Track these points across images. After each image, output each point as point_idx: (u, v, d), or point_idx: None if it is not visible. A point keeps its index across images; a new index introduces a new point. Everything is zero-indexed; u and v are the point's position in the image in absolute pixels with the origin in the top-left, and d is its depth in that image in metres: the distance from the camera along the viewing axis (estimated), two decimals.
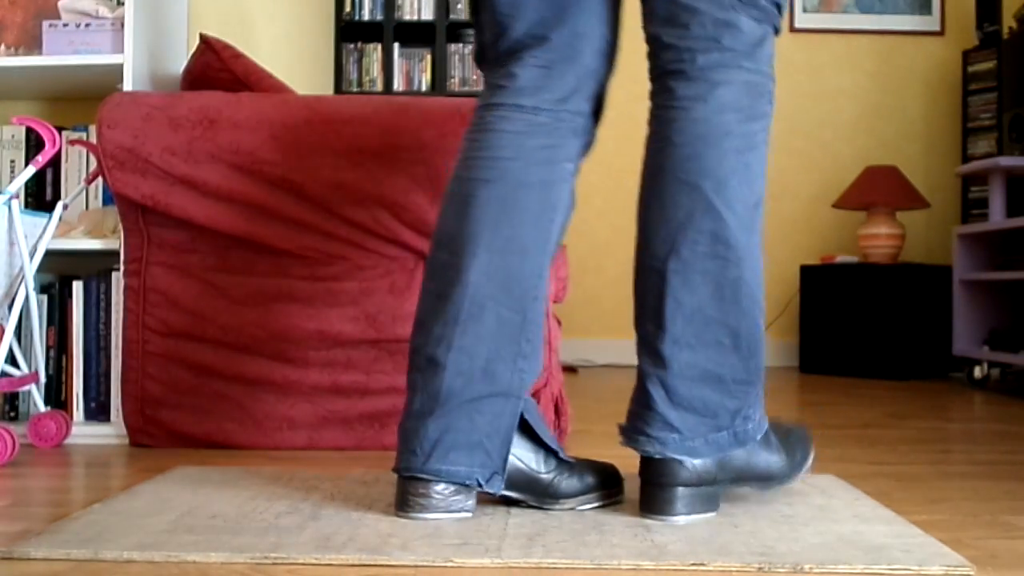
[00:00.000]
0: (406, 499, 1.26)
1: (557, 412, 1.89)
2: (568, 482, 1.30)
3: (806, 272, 3.99)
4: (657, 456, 1.24)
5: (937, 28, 4.30)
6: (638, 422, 1.26)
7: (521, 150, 1.27)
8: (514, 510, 1.32)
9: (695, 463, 1.25)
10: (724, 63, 1.24)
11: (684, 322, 1.24)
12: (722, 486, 1.29)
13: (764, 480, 1.33)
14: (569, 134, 1.31)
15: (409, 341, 1.30)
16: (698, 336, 1.24)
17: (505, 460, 1.27)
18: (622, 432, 1.29)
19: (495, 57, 1.33)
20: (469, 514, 1.26)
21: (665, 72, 1.28)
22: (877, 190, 3.86)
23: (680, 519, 1.24)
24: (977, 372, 3.41)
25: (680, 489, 1.24)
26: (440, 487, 1.24)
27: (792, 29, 4.33)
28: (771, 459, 1.33)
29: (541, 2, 1.28)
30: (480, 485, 1.25)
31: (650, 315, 1.26)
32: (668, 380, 1.25)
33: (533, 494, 1.30)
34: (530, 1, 1.28)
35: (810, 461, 1.41)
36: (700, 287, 1.23)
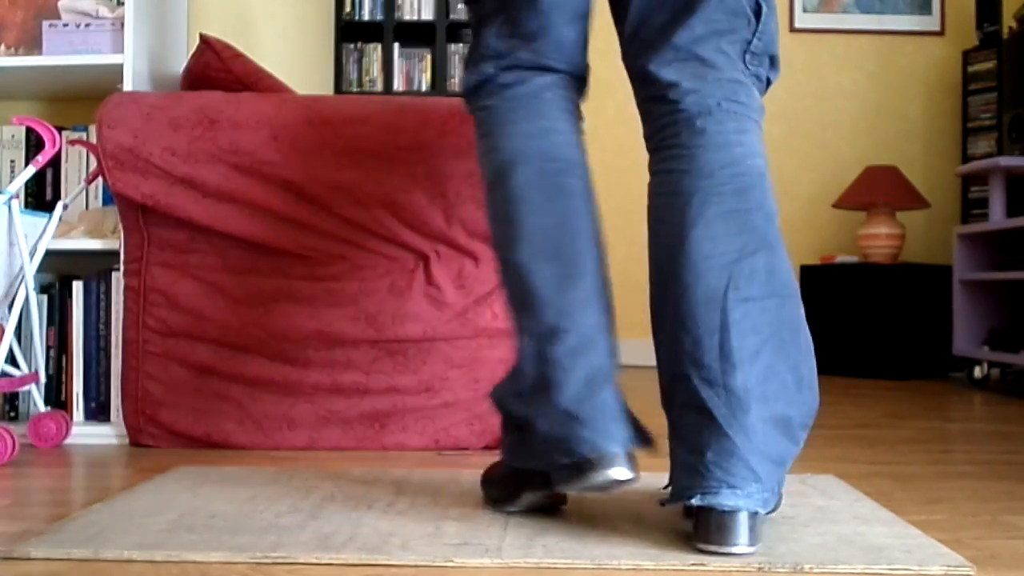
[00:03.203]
0: (581, 473, 1.15)
1: None
2: None
3: (806, 272, 3.99)
4: (740, 511, 1.10)
5: (937, 28, 4.30)
6: (716, 471, 1.10)
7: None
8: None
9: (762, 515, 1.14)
10: (743, 113, 1.22)
11: (751, 358, 1.13)
12: None
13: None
14: None
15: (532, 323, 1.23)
16: (766, 374, 1.14)
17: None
18: (681, 491, 1.14)
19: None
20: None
21: (690, 113, 1.21)
22: (877, 190, 3.86)
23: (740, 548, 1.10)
24: (977, 372, 3.41)
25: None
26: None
27: (792, 29, 4.33)
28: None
29: None
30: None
31: (710, 352, 1.14)
32: (747, 420, 1.11)
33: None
34: None
35: None
36: (763, 323, 1.15)
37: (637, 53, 1.28)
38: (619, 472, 1.14)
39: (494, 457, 1.81)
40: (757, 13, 1.24)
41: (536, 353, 1.21)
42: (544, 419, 1.19)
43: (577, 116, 1.35)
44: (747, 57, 1.24)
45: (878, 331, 3.73)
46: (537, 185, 1.25)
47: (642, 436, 1.22)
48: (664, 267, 1.20)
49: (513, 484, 1.30)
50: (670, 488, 1.19)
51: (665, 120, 1.23)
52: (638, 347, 4.34)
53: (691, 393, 1.14)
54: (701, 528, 1.11)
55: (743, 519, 1.09)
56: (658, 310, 1.22)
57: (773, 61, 1.28)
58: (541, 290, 1.21)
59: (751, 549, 1.10)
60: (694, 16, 1.22)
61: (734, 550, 1.09)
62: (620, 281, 4.35)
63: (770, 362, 1.14)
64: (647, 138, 1.30)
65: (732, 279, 1.15)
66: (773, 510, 1.18)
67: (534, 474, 1.25)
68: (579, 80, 1.37)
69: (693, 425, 1.14)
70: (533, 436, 1.21)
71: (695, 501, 1.10)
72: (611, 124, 4.13)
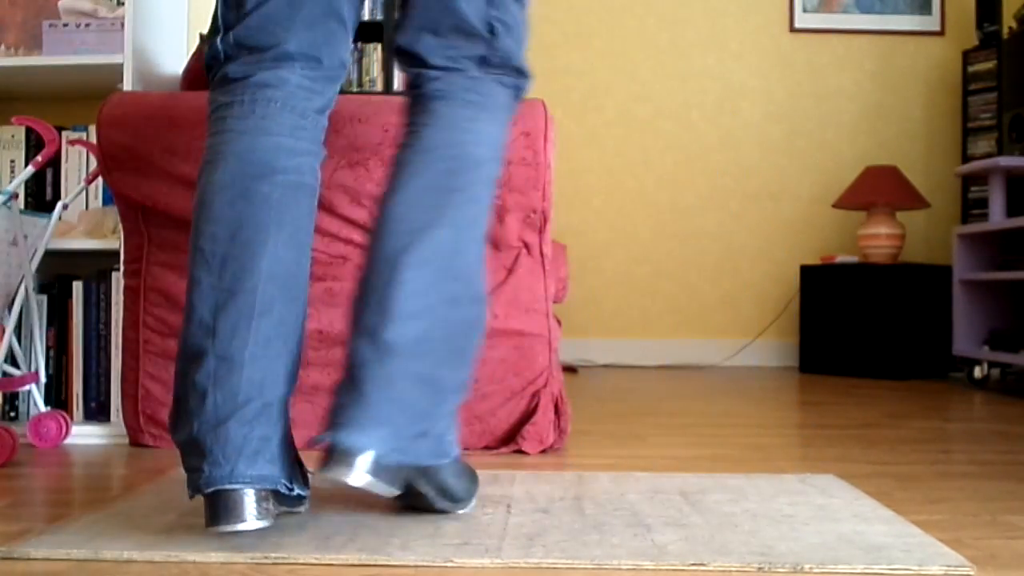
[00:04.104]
0: (216, 513, 1.12)
1: (557, 412, 1.89)
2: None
3: (806, 272, 3.99)
4: (362, 450, 1.16)
5: (937, 28, 4.30)
6: (342, 413, 1.18)
7: None
8: (514, 509, 1.32)
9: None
10: (480, 104, 1.30)
11: (411, 317, 1.20)
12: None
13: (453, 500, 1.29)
14: None
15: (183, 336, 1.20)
16: (426, 333, 1.21)
17: (293, 465, 1.21)
18: (314, 439, 1.18)
19: None
20: (270, 523, 1.14)
21: (429, 96, 1.30)
22: (877, 190, 3.86)
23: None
24: (977, 372, 3.41)
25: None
26: (251, 495, 1.12)
27: (792, 29, 4.33)
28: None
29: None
30: (290, 490, 1.18)
31: (373, 304, 1.20)
32: (387, 372, 1.20)
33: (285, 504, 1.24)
34: None
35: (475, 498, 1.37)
36: (433, 288, 1.22)
37: (403, 33, 1.34)
38: (238, 518, 1.11)
39: (494, 457, 1.81)
40: (492, 31, 1.31)
41: (181, 371, 1.17)
42: (180, 440, 1.16)
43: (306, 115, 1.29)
44: (485, 69, 1.32)
45: (878, 331, 3.73)
46: (227, 189, 1.20)
47: (299, 476, 1.21)
48: (375, 230, 1.26)
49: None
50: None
51: (411, 96, 1.33)
52: (638, 347, 4.35)
53: (351, 350, 1.20)
54: (327, 461, 1.15)
55: (366, 459, 1.14)
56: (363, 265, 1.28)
57: (519, 72, 1.35)
58: (195, 304, 1.18)
59: (303, 493, 1.20)
60: (437, 37, 1.30)
61: (348, 478, 1.14)
62: (620, 281, 4.38)
63: (432, 324, 1.20)
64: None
65: (412, 244, 1.20)
66: (441, 460, 1.25)
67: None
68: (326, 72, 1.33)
69: (344, 380, 1.20)
70: (183, 459, 1.17)
71: (322, 438, 1.16)
72: (611, 124, 4.13)
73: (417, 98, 1.32)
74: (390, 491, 1.20)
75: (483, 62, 1.31)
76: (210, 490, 1.11)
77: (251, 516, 1.11)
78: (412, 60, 1.32)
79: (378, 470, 1.16)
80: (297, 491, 1.19)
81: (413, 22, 1.32)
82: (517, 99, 1.37)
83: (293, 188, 1.22)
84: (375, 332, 1.18)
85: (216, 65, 1.28)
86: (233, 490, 1.11)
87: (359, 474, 1.15)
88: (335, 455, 1.15)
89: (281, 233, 1.20)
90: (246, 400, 1.14)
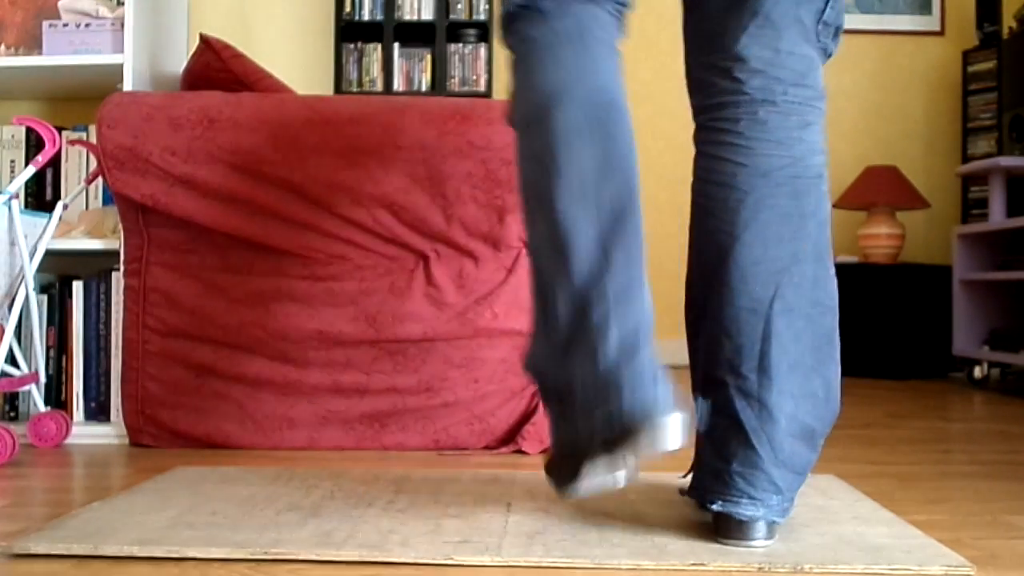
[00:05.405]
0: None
1: None
2: None
3: None
4: (758, 521, 1.13)
5: (937, 28, 4.30)
6: (739, 481, 1.13)
7: None
8: (514, 508, 1.32)
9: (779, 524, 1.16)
10: (807, 103, 1.18)
11: (789, 371, 1.13)
12: None
13: None
14: None
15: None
16: (801, 387, 1.14)
17: None
18: (702, 492, 1.16)
19: None
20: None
21: (754, 99, 1.17)
22: (877, 190, 3.86)
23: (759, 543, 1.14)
24: (977, 372, 3.41)
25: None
26: None
27: None
28: None
29: None
30: None
31: (748, 362, 1.13)
32: (776, 436, 1.13)
33: None
34: None
35: None
36: (804, 334, 1.14)
37: (705, 15, 1.21)
38: (666, 439, 1.03)
39: (494, 457, 1.81)
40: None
41: (571, 312, 1.09)
42: (581, 385, 1.08)
43: (619, 55, 1.21)
44: (819, 27, 1.20)
45: (878, 331, 3.73)
46: (584, 126, 1.11)
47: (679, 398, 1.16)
48: (710, 263, 1.18)
49: (569, 464, 1.15)
50: (691, 478, 1.21)
51: (726, 99, 1.19)
52: None
53: (726, 400, 1.15)
54: (721, 527, 1.15)
55: (761, 526, 1.13)
56: (698, 302, 1.20)
57: (838, 32, 1.23)
58: (579, 243, 1.09)
59: (769, 542, 1.14)
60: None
61: (753, 544, 1.13)
62: None
63: (805, 375, 1.14)
64: (698, 108, 1.24)
65: (779, 289, 1.13)
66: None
67: (587, 449, 1.11)
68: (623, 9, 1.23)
69: (723, 431, 1.15)
70: (572, 405, 1.10)
71: (715, 507, 1.14)
72: None
73: (734, 97, 1.18)
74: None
75: (819, 19, 1.19)
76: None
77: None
78: (723, 48, 1.19)
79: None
80: None
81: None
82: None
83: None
84: (758, 395, 1.13)
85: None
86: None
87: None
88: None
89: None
90: None
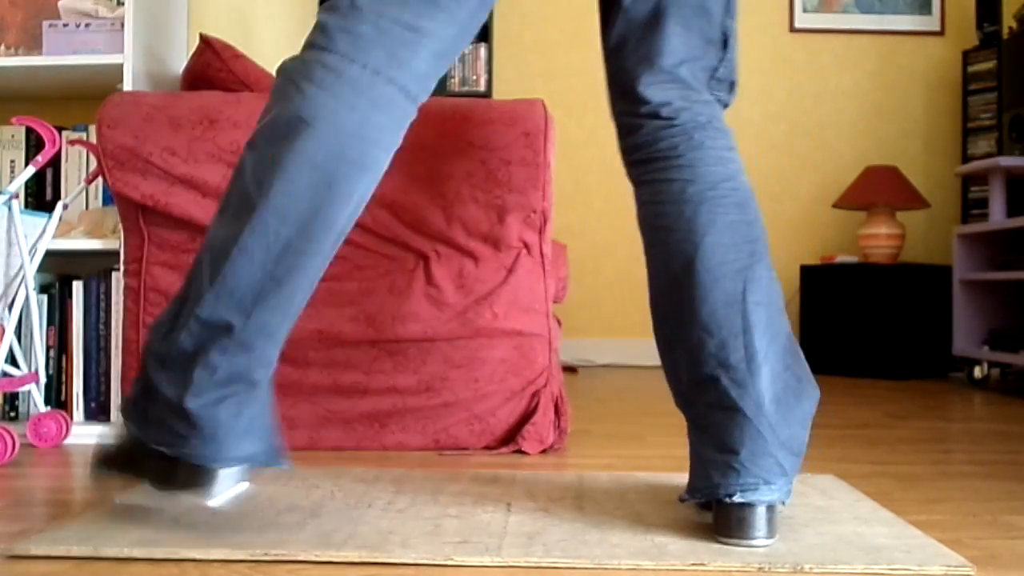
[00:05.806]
0: None
1: (557, 412, 1.89)
2: None
3: (806, 272, 3.99)
4: (762, 504, 1.14)
5: (937, 28, 4.30)
6: (752, 468, 1.14)
7: None
8: (514, 508, 1.32)
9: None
10: (727, 132, 1.28)
11: (774, 357, 1.18)
12: None
13: None
14: None
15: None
16: (784, 370, 1.19)
17: None
18: (711, 490, 1.16)
19: None
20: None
21: (687, 128, 1.25)
22: (877, 190, 3.86)
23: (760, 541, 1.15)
24: (977, 372, 3.41)
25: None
26: None
27: (792, 29, 4.33)
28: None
29: None
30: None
31: (735, 352, 1.17)
32: (773, 418, 1.16)
33: None
34: None
35: None
36: (774, 326, 1.19)
37: (621, 68, 1.30)
38: (212, 492, 1.14)
39: (494, 457, 1.81)
40: (725, 43, 1.29)
41: (196, 336, 1.13)
42: (166, 402, 1.13)
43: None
44: (711, 83, 1.29)
45: (878, 331, 3.73)
46: (321, 163, 1.11)
47: (275, 455, 1.21)
48: (676, 273, 1.21)
49: (133, 459, 1.20)
50: (689, 481, 1.21)
51: (660, 134, 1.26)
52: (638, 347, 4.34)
53: (720, 393, 1.17)
54: (722, 522, 1.16)
55: (762, 512, 1.14)
56: (669, 314, 1.23)
57: (732, 87, 1.32)
58: (239, 277, 1.12)
59: (770, 541, 1.15)
60: (678, 40, 1.26)
61: (755, 543, 1.14)
62: (620, 281, 4.38)
63: (780, 362, 1.19)
64: (631, 148, 1.30)
65: (747, 284, 1.19)
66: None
67: (155, 455, 1.16)
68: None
69: (722, 424, 1.17)
70: (155, 407, 1.15)
71: (737, 498, 1.14)
72: (611, 124, 4.12)
73: (669, 130, 1.26)
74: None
75: (712, 75, 1.29)
76: None
77: None
78: (645, 100, 1.27)
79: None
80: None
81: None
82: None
83: None
84: (751, 381, 1.16)
85: None
86: None
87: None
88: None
89: None
90: None
